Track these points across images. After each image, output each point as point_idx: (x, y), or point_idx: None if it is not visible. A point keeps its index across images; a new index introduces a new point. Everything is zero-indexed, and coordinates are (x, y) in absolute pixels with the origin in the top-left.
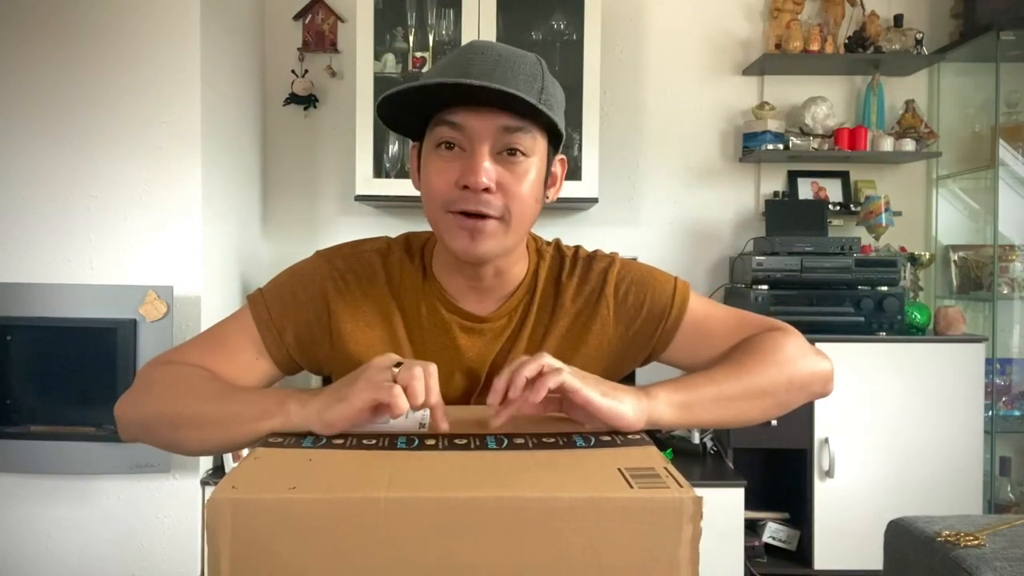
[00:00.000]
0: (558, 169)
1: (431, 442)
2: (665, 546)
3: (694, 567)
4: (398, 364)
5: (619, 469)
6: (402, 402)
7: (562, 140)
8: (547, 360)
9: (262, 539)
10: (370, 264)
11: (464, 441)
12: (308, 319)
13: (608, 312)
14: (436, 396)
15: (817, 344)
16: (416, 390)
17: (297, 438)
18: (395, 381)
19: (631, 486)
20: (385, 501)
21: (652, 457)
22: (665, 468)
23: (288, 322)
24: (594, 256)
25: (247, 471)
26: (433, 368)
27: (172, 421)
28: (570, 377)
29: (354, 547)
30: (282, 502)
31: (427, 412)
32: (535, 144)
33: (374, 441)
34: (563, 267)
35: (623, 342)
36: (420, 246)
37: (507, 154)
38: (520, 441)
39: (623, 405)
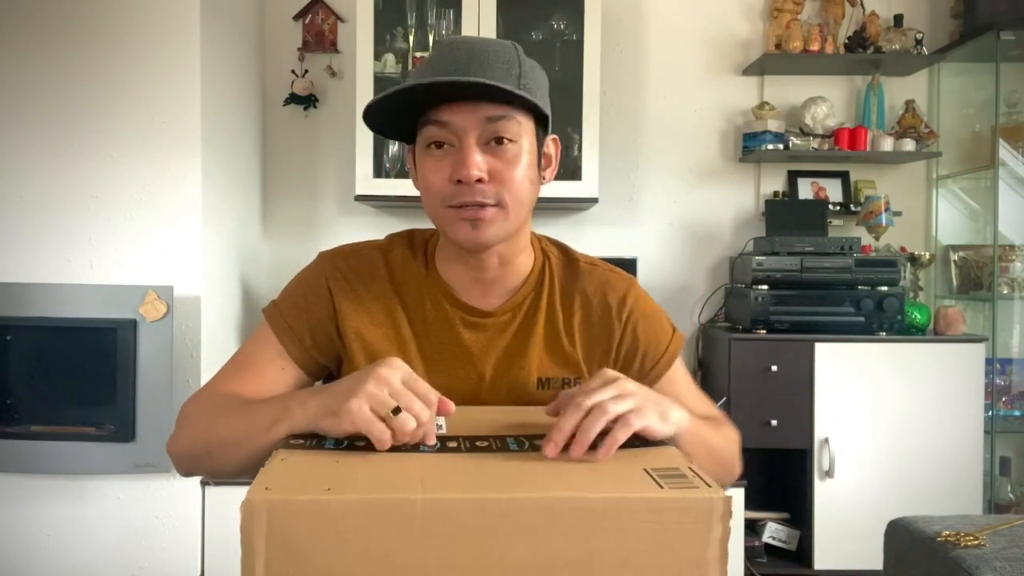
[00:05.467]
0: (552, 149)
1: (453, 444)
2: (695, 545)
3: (723, 566)
4: (396, 410)
5: (645, 470)
6: (387, 445)
7: (550, 121)
8: (618, 408)
9: (298, 540)
10: (371, 261)
11: (485, 444)
12: (321, 319)
13: (617, 337)
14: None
15: (817, 344)
16: (403, 437)
17: (318, 439)
18: (388, 419)
19: (661, 486)
20: (422, 502)
21: (675, 458)
22: (690, 468)
23: (304, 325)
24: (615, 273)
25: (278, 473)
26: (429, 413)
27: (205, 450)
28: (640, 420)
29: (390, 548)
30: (318, 503)
31: (443, 417)
32: (521, 129)
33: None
34: (579, 274)
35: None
36: (424, 241)
37: (495, 143)
38: (540, 443)
39: (669, 427)
